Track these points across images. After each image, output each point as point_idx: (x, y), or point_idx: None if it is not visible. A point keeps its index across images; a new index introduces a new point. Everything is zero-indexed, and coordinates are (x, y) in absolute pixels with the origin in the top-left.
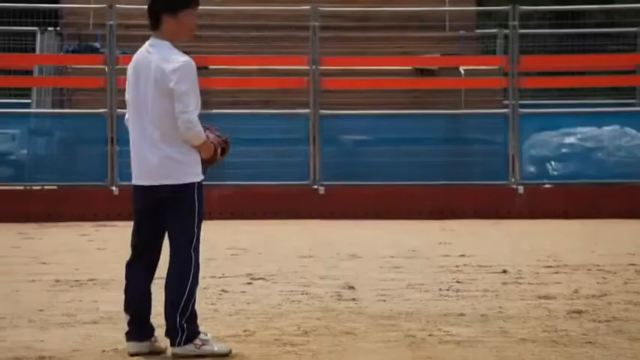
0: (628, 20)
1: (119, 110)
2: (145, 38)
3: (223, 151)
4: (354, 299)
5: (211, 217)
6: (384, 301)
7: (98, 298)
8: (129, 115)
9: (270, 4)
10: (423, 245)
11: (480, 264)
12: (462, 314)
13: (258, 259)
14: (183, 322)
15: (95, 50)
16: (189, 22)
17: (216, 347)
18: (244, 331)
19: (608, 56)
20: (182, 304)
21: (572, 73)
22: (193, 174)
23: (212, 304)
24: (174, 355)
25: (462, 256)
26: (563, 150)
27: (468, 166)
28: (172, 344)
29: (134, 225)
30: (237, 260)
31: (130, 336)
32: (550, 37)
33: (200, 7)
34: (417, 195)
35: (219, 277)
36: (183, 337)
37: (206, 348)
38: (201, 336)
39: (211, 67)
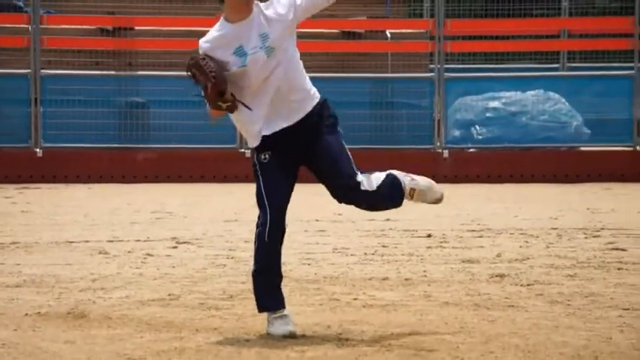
0: None
1: (43, 71)
2: None
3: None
4: None
5: (137, 181)
6: (309, 264)
7: (21, 261)
8: None
9: None
10: (348, 209)
11: (405, 228)
12: (386, 278)
13: (183, 223)
14: None
15: (18, 9)
16: None
17: None
18: (169, 295)
19: (533, 20)
20: None
21: (498, 37)
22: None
23: (137, 267)
24: None
25: (387, 220)
26: (488, 114)
27: (393, 130)
28: None
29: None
30: (162, 224)
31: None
32: (476, 0)
33: None
34: None
35: (144, 241)
36: None
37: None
38: None
39: (137, 27)
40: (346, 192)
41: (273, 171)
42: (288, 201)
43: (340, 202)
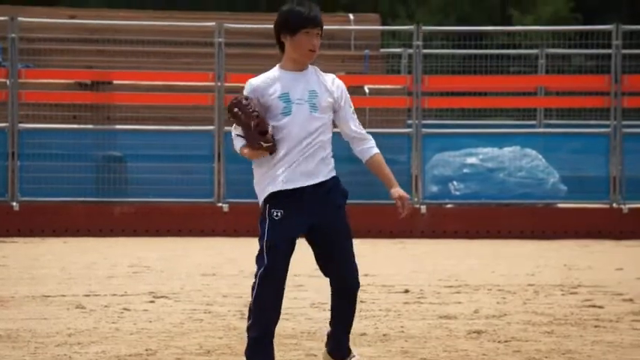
0: (529, 42)
1: (20, 125)
2: (46, 52)
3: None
4: None
5: (114, 235)
6: (287, 319)
7: None
8: None
9: (175, 20)
10: None
11: (382, 283)
12: (363, 334)
13: (160, 277)
14: None
15: None
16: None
17: None
18: (146, 350)
19: (510, 77)
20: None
21: (475, 94)
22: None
23: (113, 322)
24: None
25: (365, 275)
26: (465, 170)
27: (370, 186)
28: None
29: None
30: (139, 278)
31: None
32: (453, 57)
33: (104, 22)
34: None
35: (121, 295)
36: None
37: None
38: None
39: (115, 82)
40: (352, 285)
41: (282, 230)
42: (287, 265)
43: (338, 285)
